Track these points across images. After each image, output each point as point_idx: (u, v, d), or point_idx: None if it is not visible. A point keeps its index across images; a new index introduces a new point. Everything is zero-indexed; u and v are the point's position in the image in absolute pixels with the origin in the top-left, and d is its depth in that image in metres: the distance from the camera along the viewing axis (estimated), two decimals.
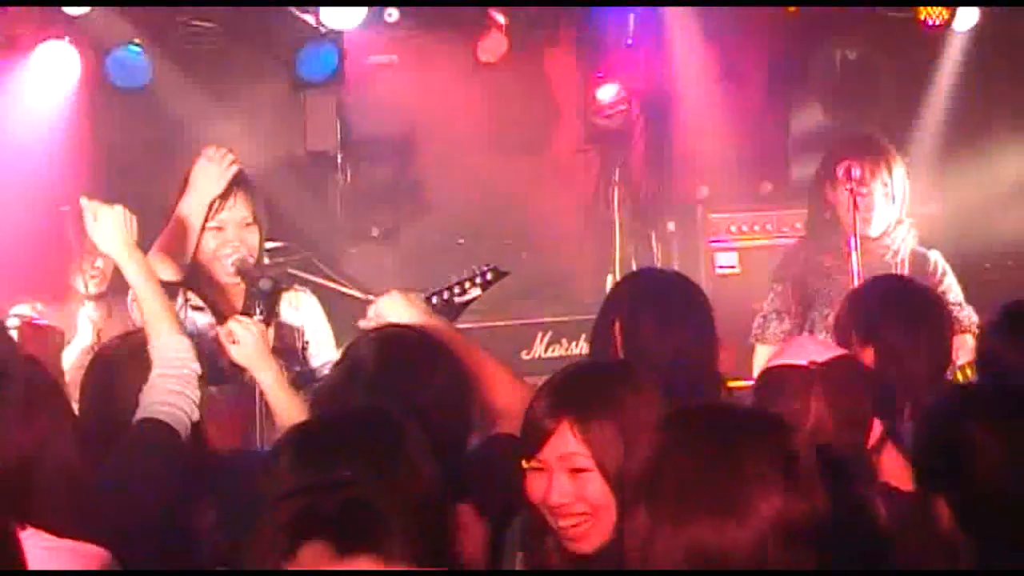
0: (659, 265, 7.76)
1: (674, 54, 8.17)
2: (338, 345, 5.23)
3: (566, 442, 3.15)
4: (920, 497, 3.08)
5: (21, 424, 3.33)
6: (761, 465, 2.50)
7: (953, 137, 8.18)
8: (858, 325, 4.48)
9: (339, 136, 8.27)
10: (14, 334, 6.18)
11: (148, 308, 4.32)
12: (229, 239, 5.15)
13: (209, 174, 5.14)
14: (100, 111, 7.74)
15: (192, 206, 5.12)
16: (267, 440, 4.59)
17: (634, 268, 7.85)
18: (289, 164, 8.16)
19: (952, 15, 8.06)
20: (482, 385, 3.98)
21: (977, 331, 5.90)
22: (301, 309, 5.33)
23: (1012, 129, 8.35)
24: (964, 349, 5.61)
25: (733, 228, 7.84)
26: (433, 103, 8.44)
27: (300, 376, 5.11)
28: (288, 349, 5.20)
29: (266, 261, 5.39)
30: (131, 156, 7.80)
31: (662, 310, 4.25)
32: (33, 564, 2.65)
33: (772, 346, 6.06)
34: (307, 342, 5.28)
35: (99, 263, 6.35)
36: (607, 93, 8.25)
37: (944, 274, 6.15)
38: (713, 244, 7.85)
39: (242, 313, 4.87)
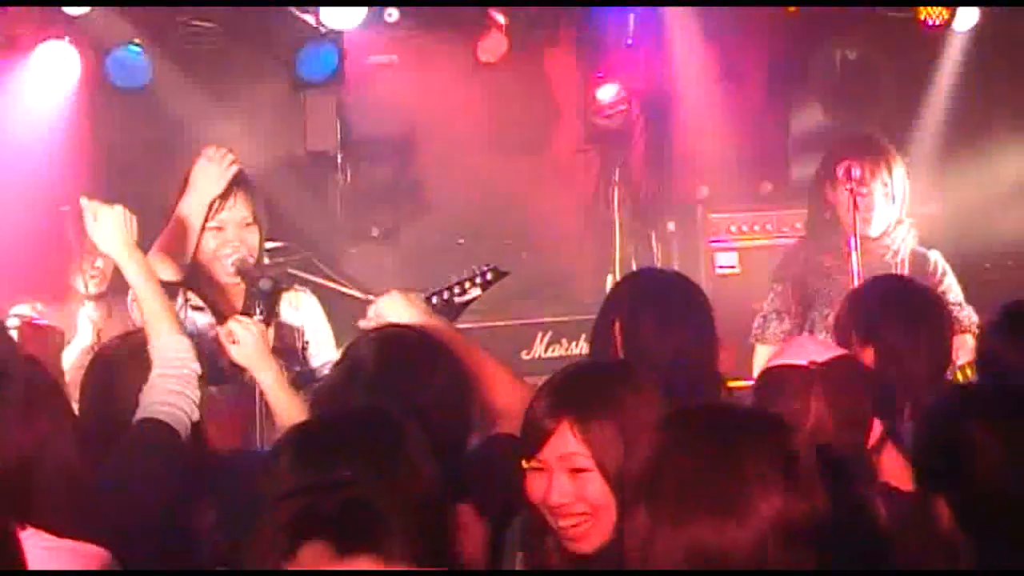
0: (659, 265, 7.76)
1: (674, 54, 8.17)
2: (338, 345, 5.23)
3: (566, 442, 3.14)
4: (920, 497, 3.07)
5: (21, 424, 3.32)
6: (761, 465, 2.50)
7: (953, 137, 8.18)
8: (858, 325, 4.48)
9: (339, 136, 8.26)
10: (14, 334, 6.19)
11: (148, 308, 4.32)
12: (229, 239, 5.14)
13: (209, 174, 5.14)
14: (100, 111, 7.74)
15: (192, 206, 5.12)
16: (267, 440, 4.59)
17: (634, 268, 7.85)
18: (289, 164, 8.16)
19: (952, 15, 8.06)
20: (482, 385, 3.98)
21: (977, 331, 5.90)
22: (301, 309, 5.33)
23: (1012, 129, 8.35)
24: (964, 349, 5.61)
25: (733, 228, 7.84)
26: (433, 103, 8.44)
27: (300, 376, 5.11)
28: (288, 349, 5.21)
29: (266, 261, 5.39)
30: (131, 156, 7.80)
31: (662, 310, 4.25)
32: (33, 564, 2.65)
33: (772, 346, 6.06)
34: (307, 342, 5.28)
35: (99, 263, 6.34)
36: (607, 93, 8.25)
37: (944, 274, 6.15)
38: (713, 244, 7.85)
39: (242, 313, 4.87)
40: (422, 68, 8.29)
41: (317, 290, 5.72)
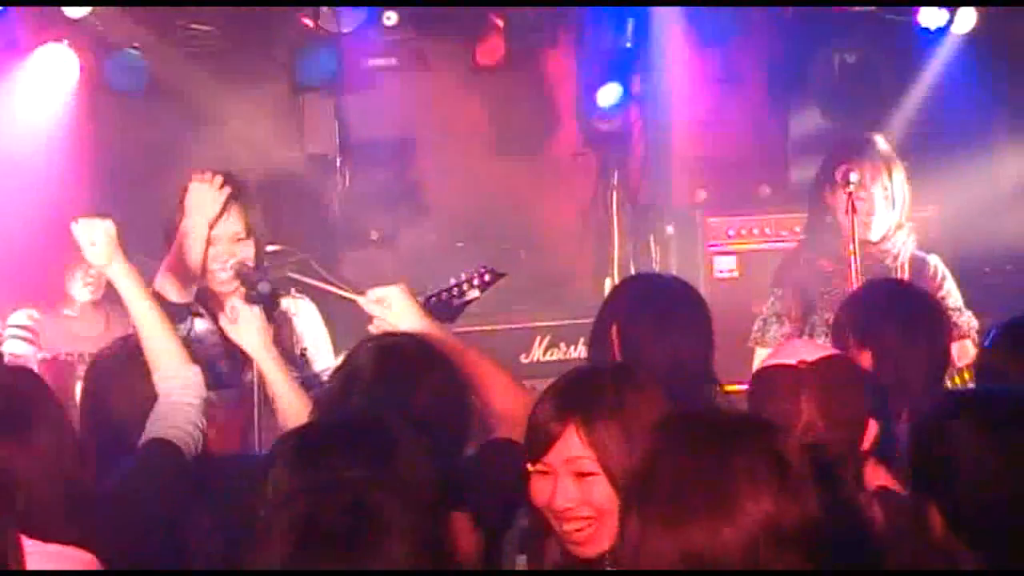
0: (658, 269, 7.76)
1: (672, 57, 8.16)
2: (336, 349, 5.23)
3: (571, 445, 3.14)
4: (914, 501, 3.07)
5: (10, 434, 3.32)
6: (752, 468, 2.50)
7: (952, 140, 8.18)
8: (855, 328, 4.48)
9: (337, 139, 8.27)
10: (15, 344, 6.20)
11: (147, 339, 4.24)
12: (219, 253, 5.15)
13: (203, 197, 5.14)
14: (99, 114, 7.74)
15: (191, 228, 5.12)
16: (265, 444, 4.59)
17: (632, 272, 7.85)
18: (287, 167, 8.16)
19: (950, 17, 8.06)
20: (481, 389, 3.98)
21: (976, 336, 5.90)
22: (300, 315, 5.34)
23: (1011, 132, 8.34)
24: (963, 354, 5.62)
25: (732, 232, 7.83)
26: (432, 106, 8.45)
27: (299, 382, 5.12)
28: (287, 355, 5.21)
29: (266, 265, 5.40)
30: (130, 159, 7.80)
31: (659, 314, 4.24)
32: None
33: (771, 349, 6.06)
34: (305, 348, 5.29)
35: (94, 269, 6.32)
36: (606, 96, 8.25)
37: (943, 278, 6.15)
38: (712, 248, 7.84)
39: None
40: (421, 71, 8.29)
41: (315, 294, 5.72)
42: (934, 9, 8.06)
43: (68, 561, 3.14)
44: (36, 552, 3.03)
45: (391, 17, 7.86)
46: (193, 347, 4.40)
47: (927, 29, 8.09)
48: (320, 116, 8.22)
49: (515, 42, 8.10)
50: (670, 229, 8.06)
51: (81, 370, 5.24)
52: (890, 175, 6.11)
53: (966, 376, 5.57)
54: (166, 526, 3.83)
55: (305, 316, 5.37)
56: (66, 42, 7.34)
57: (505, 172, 8.43)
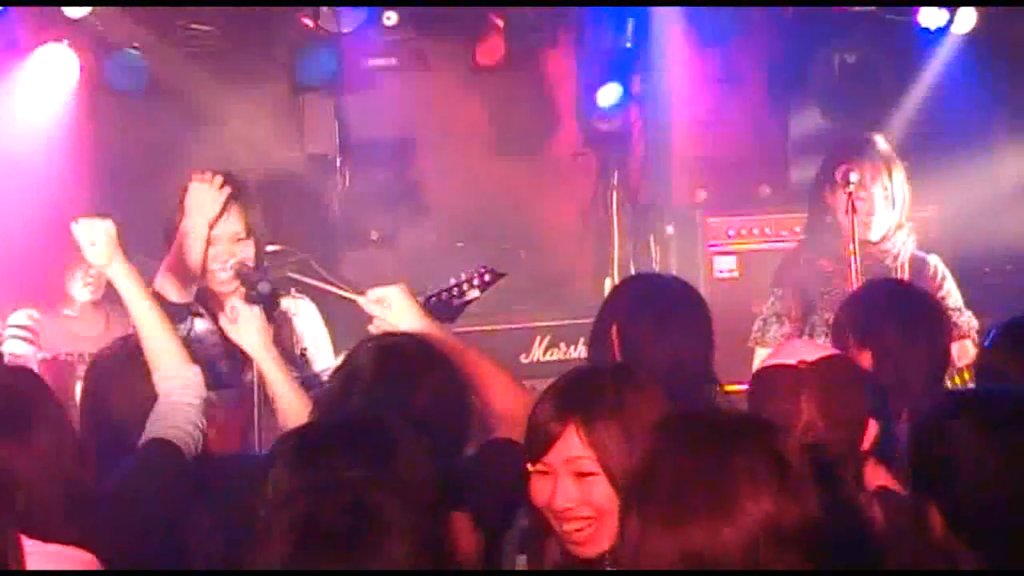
0: (658, 269, 7.76)
1: (672, 57, 8.16)
2: (336, 349, 5.23)
3: (571, 445, 3.14)
4: (915, 501, 3.07)
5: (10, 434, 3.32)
6: (751, 467, 2.50)
7: (952, 140, 8.17)
8: (855, 328, 4.48)
9: (337, 139, 8.27)
10: (15, 344, 6.19)
11: (147, 339, 4.25)
12: (219, 253, 5.16)
13: (203, 198, 5.14)
14: (99, 114, 7.74)
15: (192, 228, 5.12)
16: (265, 444, 4.59)
17: (632, 272, 7.84)
18: (287, 167, 8.16)
19: (950, 18, 8.06)
20: (481, 389, 3.98)
21: (976, 336, 5.90)
22: (300, 315, 5.34)
23: (1011, 132, 8.34)
24: (963, 354, 5.61)
25: (731, 232, 7.83)
26: (432, 106, 8.45)
27: (299, 382, 5.12)
28: (287, 355, 5.21)
29: (266, 266, 5.40)
30: (130, 159, 7.80)
31: (659, 314, 4.24)
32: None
33: (771, 349, 6.06)
34: (305, 348, 5.29)
35: (94, 269, 6.31)
36: (606, 96, 8.25)
37: (943, 278, 6.15)
38: (712, 248, 7.84)
39: None
40: (421, 71, 8.29)
41: (315, 294, 5.72)
42: (934, 9, 8.06)
43: (68, 561, 3.14)
44: (36, 552, 3.03)
45: (391, 17, 7.86)
46: (193, 347, 4.40)
47: (927, 29, 8.09)
48: (320, 116, 8.22)
49: (515, 42, 8.10)
50: (670, 229, 8.05)
51: (81, 370, 5.23)
52: (890, 175, 6.11)
53: (966, 376, 5.57)
54: (166, 526, 3.83)
55: (305, 316, 5.37)
56: (66, 42, 7.34)
57: (505, 172, 8.43)
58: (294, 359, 5.22)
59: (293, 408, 4.48)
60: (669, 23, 8.10)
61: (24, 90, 7.40)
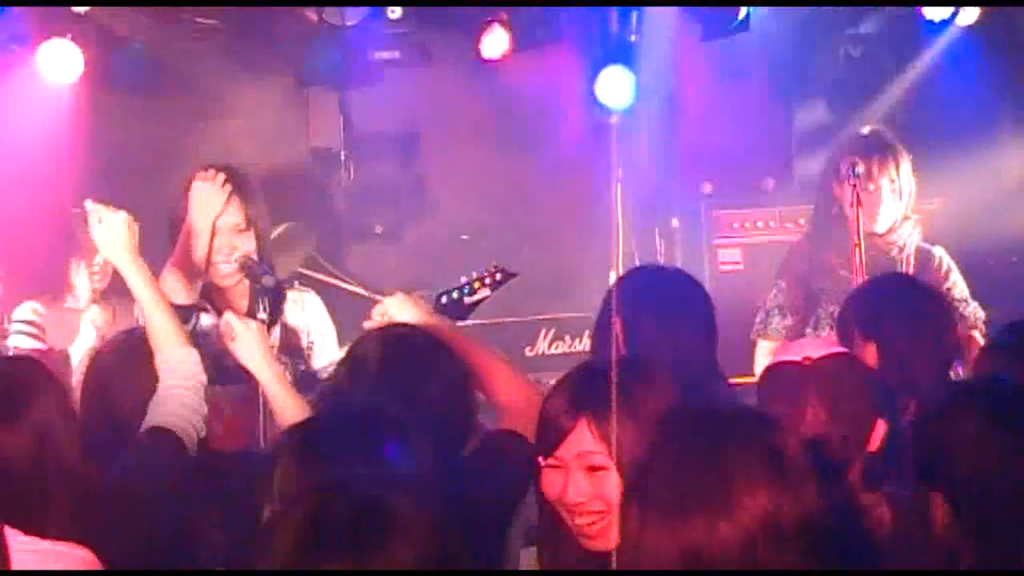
0: (662, 262, 7.75)
1: (677, 50, 8.15)
2: (341, 343, 5.24)
3: (583, 440, 3.15)
4: (920, 497, 3.07)
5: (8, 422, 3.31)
6: (748, 462, 2.49)
7: (957, 132, 8.16)
8: (860, 322, 4.47)
9: (342, 133, 8.26)
10: (20, 339, 6.19)
11: (151, 317, 4.28)
12: (220, 245, 5.16)
13: (206, 197, 5.15)
14: (103, 108, 7.73)
15: (196, 227, 5.13)
16: (271, 440, 4.59)
17: (637, 265, 7.83)
18: (292, 161, 8.16)
19: (955, 10, 8.04)
20: (485, 382, 3.98)
21: (983, 327, 5.90)
22: (306, 309, 5.35)
23: (1016, 125, 8.33)
24: (971, 345, 5.61)
25: (737, 225, 7.83)
26: (436, 100, 8.44)
27: (305, 375, 5.13)
28: (293, 349, 5.22)
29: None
30: (134, 154, 7.80)
31: (662, 307, 4.25)
32: (15, 566, 2.63)
33: (774, 341, 6.07)
34: (312, 342, 5.30)
35: (99, 259, 6.32)
36: (611, 89, 8.23)
37: (949, 270, 6.15)
38: (717, 240, 7.84)
39: (247, 312, 4.90)
40: (425, 65, 8.28)
41: (320, 287, 5.73)
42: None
43: (64, 559, 3.12)
44: (31, 550, 3.02)
45: (395, 11, 7.85)
46: (199, 342, 4.40)
47: (932, 21, 8.07)
48: (324, 110, 8.21)
49: (519, 35, 8.09)
50: (675, 222, 8.04)
51: (85, 363, 5.24)
52: (897, 167, 6.12)
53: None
54: (167, 519, 3.82)
55: (311, 310, 5.38)
56: (70, 37, 7.34)
57: (509, 165, 8.42)
58: (300, 353, 5.23)
59: (292, 420, 4.46)
60: (674, 16, 8.09)
61: (29, 85, 7.40)
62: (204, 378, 4.19)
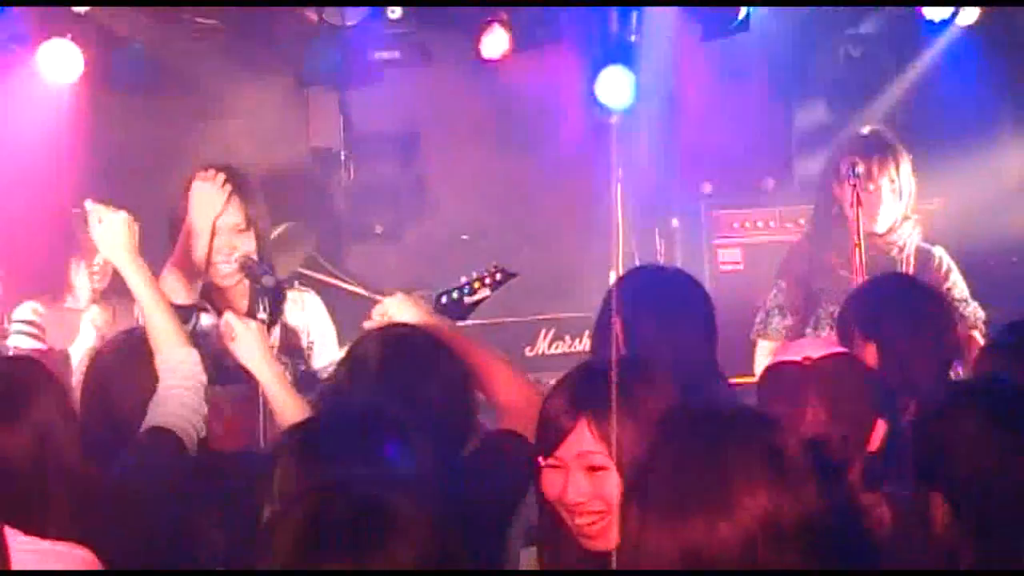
0: (663, 262, 7.75)
1: (677, 50, 8.15)
2: (341, 343, 5.24)
3: (583, 440, 3.15)
4: (920, 497, 3.07)
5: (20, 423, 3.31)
6: (748, 462, 2.49)
7: (957, 132, 8.16)
8: (860, 322, 4.47)
9: (342, 133, 8.26)
10: (20, 339, 6.19)
11: (150, 317, 4.28)
12: (220, 245, 5.16)
13: (205, 197, 5.15)
14: (103, 108, 7.73)
15: (196, 228, 5.13)
16: (271, 440, 4.59)
17: (637, 265, 7.82)
18: (292, 161, 8.16)
19: (955, 10, 8.04)
20: (485, 382, 3.98)
21: (983, 327, 5.90)
22: (306, 309, 5.35)
23: (1016, 124, 8.33)
24: (971, 345, 5.61)
25: (737, 225, 7.83)
26: (436, 100, 8.44)
27: (305, 375, 5.13)
28: (293, 349, 5.23)
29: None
30: (134, 154, 7.80)
31: (662, 307, 4.25)
32: (15, 566, 2.63)
33: (773, 341, 6.07)
34: (312, 342, 5.30)
35: (99, 259, 6.32)
36: (610, 89, 8.23)
37: (949, 270, 6.15)
38: (717, 240, 7.84)
39: (247, 312, 4.90)
40: (425, 65, 8.28)
41: (320, 287, 5.73)
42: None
43: (65, 559, 3.12)
44: (31, 550, 3.02)
45: (395, 11, 7.85)
46: (199, 342, 4.40)
47: (932, 21, 8.07)
48: (325, 110, 8.22)
49: (519, 35, 8.09)
50: (675, 222, 8.04)
51: (85, 363, 5.24)
52: (897, 167, 6.12)
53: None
54: (167, 515, 3.82)
55: (311, 310, 5.38)
56: (70, 37, 7.33)
57: (510, 165, 8.43)
58: (300, 353, 5.23)
59: (292, 420, 4.47)
60: (674, 16, 8.09)
61: (29, 85, 7.40)
62: (204, 378, 4.20)
